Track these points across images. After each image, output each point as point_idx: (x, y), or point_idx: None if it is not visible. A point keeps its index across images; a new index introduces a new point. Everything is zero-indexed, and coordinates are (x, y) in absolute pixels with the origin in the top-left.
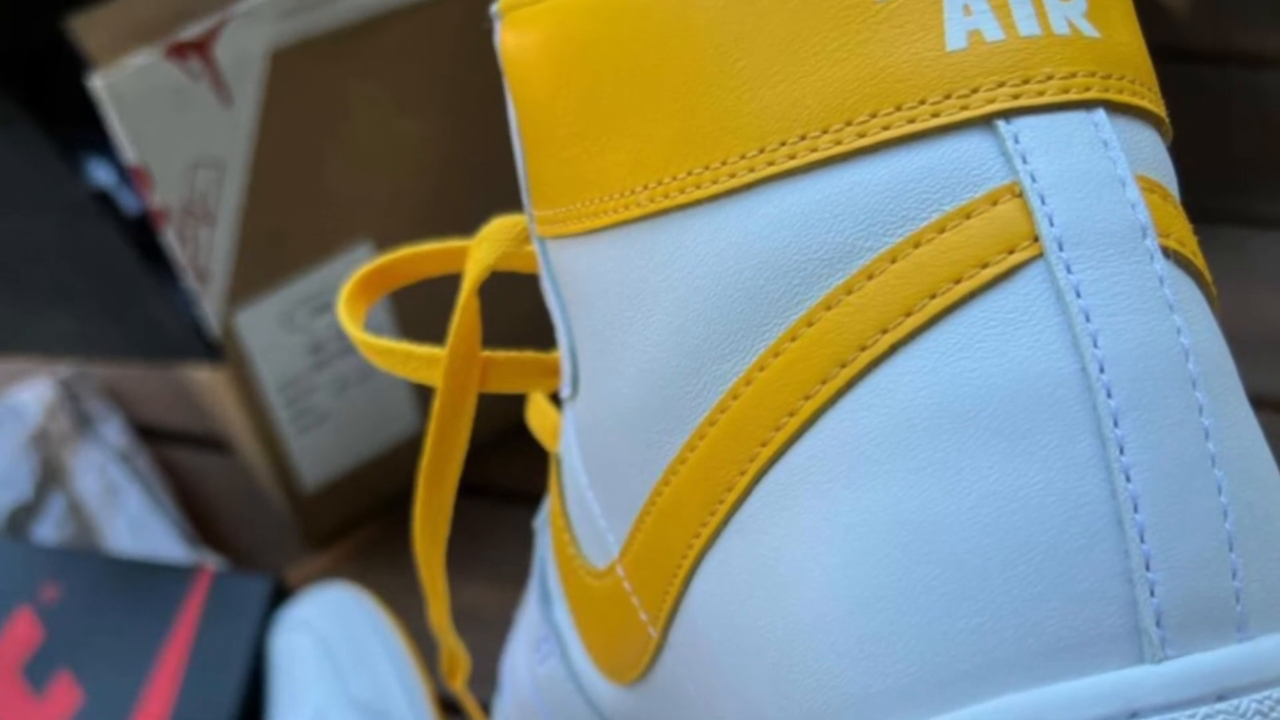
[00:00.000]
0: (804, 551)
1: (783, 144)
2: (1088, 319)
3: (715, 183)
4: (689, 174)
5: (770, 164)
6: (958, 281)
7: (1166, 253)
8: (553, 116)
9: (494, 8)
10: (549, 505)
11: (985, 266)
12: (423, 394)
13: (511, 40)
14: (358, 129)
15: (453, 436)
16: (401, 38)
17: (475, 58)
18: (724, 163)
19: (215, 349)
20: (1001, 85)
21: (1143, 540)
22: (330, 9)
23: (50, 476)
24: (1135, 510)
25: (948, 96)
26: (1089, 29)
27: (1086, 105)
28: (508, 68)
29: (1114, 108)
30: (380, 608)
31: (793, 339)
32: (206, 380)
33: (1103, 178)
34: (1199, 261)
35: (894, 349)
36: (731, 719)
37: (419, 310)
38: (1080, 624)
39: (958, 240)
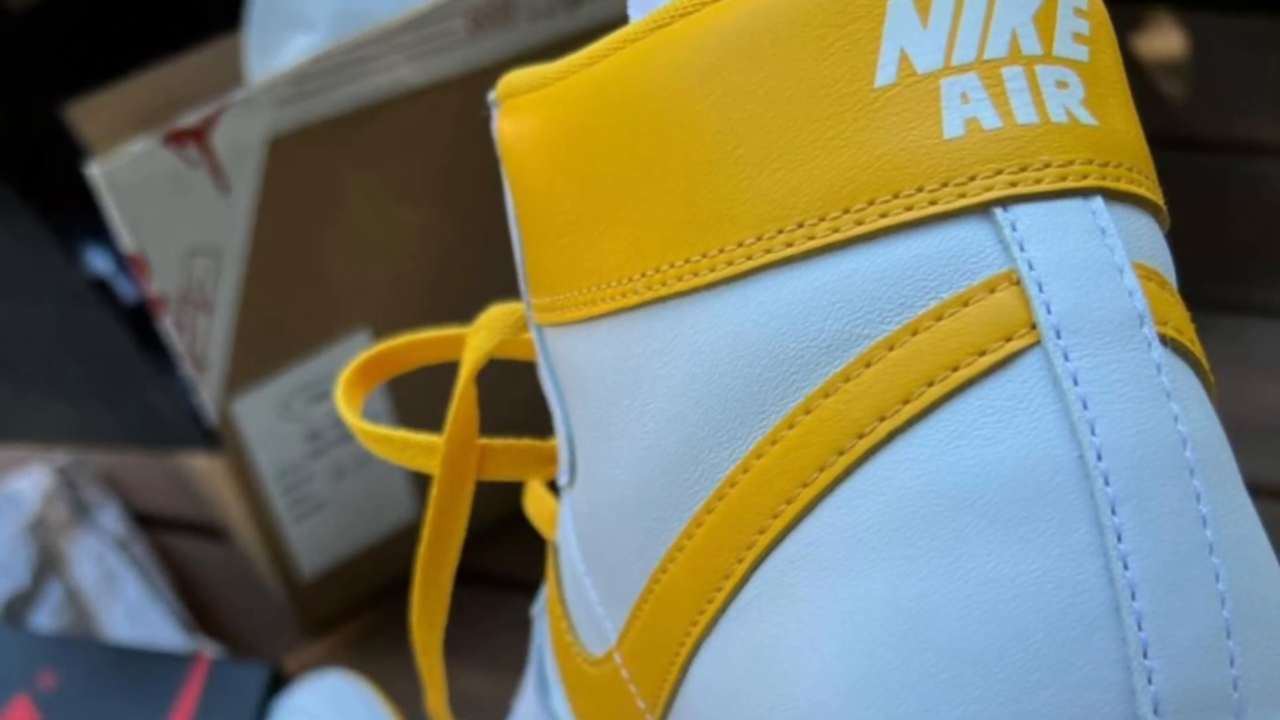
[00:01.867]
0: (801, 639)
1: (780, 231)
2: (1085, 406)
3: (713, 270)
4: (686, 262)
5: (768, 252)
6: (955, 369)
7: (1164, 340)
8: (550, 204)
9: (491, 95)
10: (546, 593)
11: (983, 354)
12: (420, 482)
13: (509, 128)
14: (355, 217)
15: (450, 524)
16: (399, 126)
17: (473, 146)
18: (722, 250)
19: (213, 437)
20: (999, 173)
21: (1140, 627)
22: (328, 97)
23: (48, 564)
24: (1133, 598)
25: (945, 184)
26: (1086, 117)
27: (1084, 193)
28: (505, 155)
29: (1111, 195)
30: (378, 695)
31: (790, 427)
32: (204, 468)
33: (1100, 265)
34: (1196, 349)
35: (892, 436)
36: None
37: (417, 398)
38: (1078, 712)
39: (955, 328)
